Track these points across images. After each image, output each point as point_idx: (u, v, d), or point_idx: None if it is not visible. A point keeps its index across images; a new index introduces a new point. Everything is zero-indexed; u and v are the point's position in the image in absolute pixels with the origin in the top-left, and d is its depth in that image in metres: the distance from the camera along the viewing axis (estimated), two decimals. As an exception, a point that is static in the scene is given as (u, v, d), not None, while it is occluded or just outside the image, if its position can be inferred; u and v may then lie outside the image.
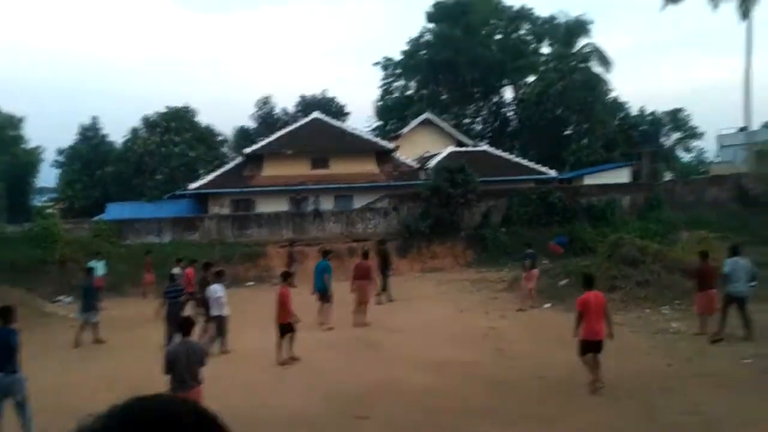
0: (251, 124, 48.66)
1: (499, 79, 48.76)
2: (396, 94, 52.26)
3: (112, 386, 10.09)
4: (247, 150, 33.42)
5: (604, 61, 41.63)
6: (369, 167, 33.17)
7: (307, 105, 47.42)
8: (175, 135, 39.42)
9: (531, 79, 47.67)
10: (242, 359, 12.68)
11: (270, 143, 33.35)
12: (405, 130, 40.65)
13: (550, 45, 47.68)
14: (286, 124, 40.62)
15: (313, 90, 51.52)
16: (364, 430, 8.78)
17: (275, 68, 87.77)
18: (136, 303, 20.64)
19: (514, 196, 29.83)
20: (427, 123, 40.62)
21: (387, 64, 51.24)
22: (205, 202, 32.18)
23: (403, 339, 14.11)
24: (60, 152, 43.29)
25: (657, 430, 8.25)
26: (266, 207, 30.65)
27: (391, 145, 34.85)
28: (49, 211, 34.41)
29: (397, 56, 50.37)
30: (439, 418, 9.00)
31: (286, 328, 12.42)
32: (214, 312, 13.23)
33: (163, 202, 34.39)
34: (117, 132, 51.97)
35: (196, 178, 34.69)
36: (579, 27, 42.38)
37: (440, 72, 46.60)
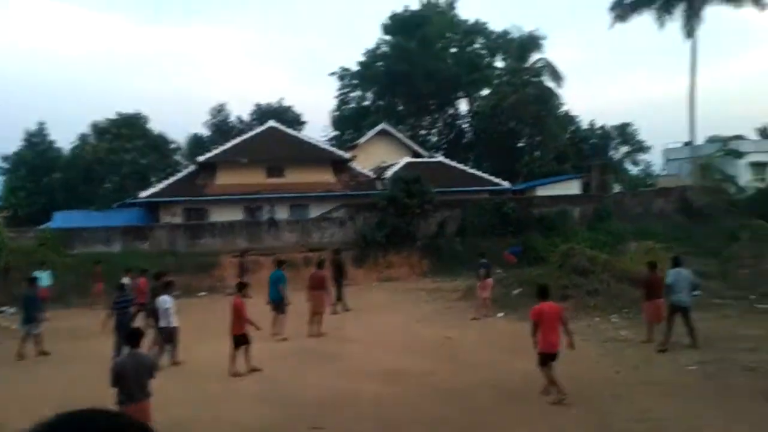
0: (205, 132, 47.96)
1: (455, 92, 49.35)
2: (352, 105, 52.30)
3: (55, 400, 9.73)
4: (201, 158, 32.89)
5: (556, 76, 42.57)
6: (325, 177, 33.07)
7: (262, 113, 47.01)
8: (125, 142, 38.49)
9: (485, 92, 48.42)
10: (194, 371, 12.42)
11: (224, 151, 32.90)
12: (362, 140, 40.70)
13: (504, 59, 48.51)
14: (241, 132, 40.13)
15: (268, 99, 50.93)
16: (318, 441, 8.70)
17: (230, 76, 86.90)
18: (83, 314, 20.01)
19: (469, 206, 30.20)
20: (383, 133, 40.77)
21: (343, 75, 51.29)
22: (157, 211, 31.49)
23: (358, 349, 14.07)
24: (4, 158, 41.77)
25: (606, 436, 8.42)
26: (220, 216, 30.19)
27: (347, 155, 34.85)
28: (-9, 219, 33.10)
29: (354, 67, 50.51)
30: (393, 428, 8.99)
31: (240, 340, 12.26)
32: (162, 323, 12.96)
33: (112, 211, 33.50)
34: (65, 138, 50.49)
35: (148, 186, 33.93)
36: (532, 42, 43.24)
37: (396, 83, 46.87)
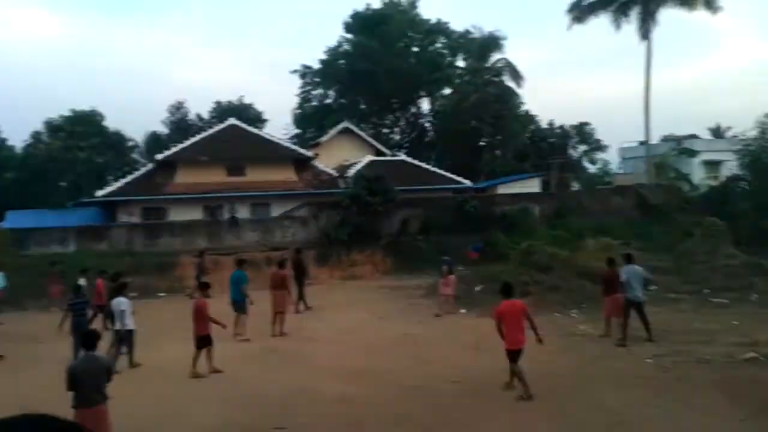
0: (164, 130, 47.10)
1: (416, 91, 49.54)
2: (314, 103, 52.05)
3: (9, 406, 9.41)
4: (159, 156, 32.28)
5: (516, 76, 43.08)
6: (287, 175, 32.83)
7: (222, 111, 46.42)
8: (80, 140, 37.56)
9: (447, 91, 48.74)
10: (154, 373, 12.18)
11: (184, 149, 32.36)
12: (324, 138, 40.54)
13: (465, 59, 48.88)
14: (200, 130, 39.49)
15: (229, 96, 50.31)
16: (280, 441, 8.62)
17: (189, 73, 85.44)
18: (39, 317, 19.48)
19: (432, 204, 30.38)
20: (346, 132, 40.69)
21: (305, 72, 50.97)
22: (114, 210, 30.80)
23: (320, 348, 14.01)
24: (-48, 157, 40.33)
25: (566, 428, 8.57)
26: (179, 215, 29.68)
27: (309, 154, 34.67)
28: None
29: (316, 65, 50.24)
30: (356, 426, 8.98)
31: (203, 341, 12.08)
32: (118, 326, 12.68)
33: (67, 211, 32.65)
34: (17, 137, 48.98)
35: (104, 185, 33.17)
36: (492, 42, 43.65)
37: (359, 82, 46.81)
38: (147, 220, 29.91)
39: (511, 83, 43.30)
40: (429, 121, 50.99)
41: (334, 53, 49.44)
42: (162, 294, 23.86)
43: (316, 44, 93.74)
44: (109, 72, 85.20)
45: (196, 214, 30.09)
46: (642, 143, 39.62)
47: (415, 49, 49.91)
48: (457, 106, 42.48)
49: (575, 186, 39.42)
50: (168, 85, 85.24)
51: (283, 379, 11.51)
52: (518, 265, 19.23)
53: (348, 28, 48.85)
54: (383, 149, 40.94)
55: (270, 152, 33.42)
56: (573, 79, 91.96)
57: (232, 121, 35.91)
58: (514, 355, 9.73)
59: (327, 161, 36.00)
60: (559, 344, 12.98)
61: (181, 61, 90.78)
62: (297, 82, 51.66)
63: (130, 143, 43.43)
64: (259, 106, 49.41)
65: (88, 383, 7.29)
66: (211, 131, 35.11)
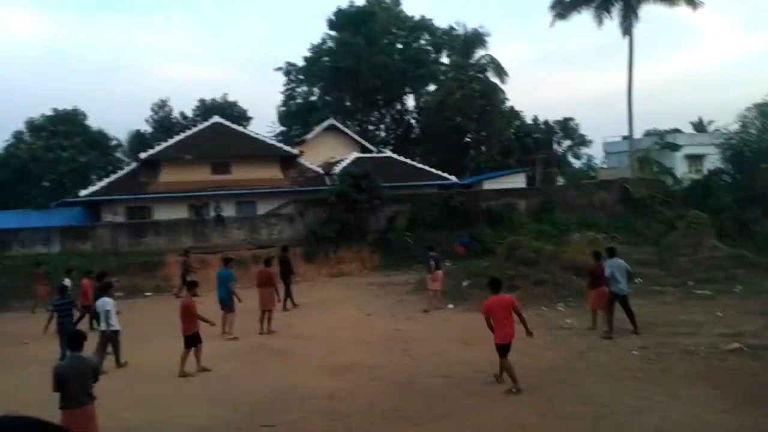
0: (147, 129, 46.65)
1: (401, 87, 49.49)
2: (299, 100, 51.85)
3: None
4: (144, 155, 32.01)
5: (500, 72, 43.17)
6: (273, 173, 32.70)
7: (206, 109, 46.04)
8: (63, 139, 37.11)
9: (432, 87, 48.75)
10: (140, 373, 12.12)
11: (168, 148, 32.10)
12: (309, 135, 40.41)
13: (449, 55, 48.92)
14: (184, 128, 39.15)
15: (213, 94, 49.87)
16: (270, 438, 8.62)
17: (172, 71, 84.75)
18: (24, 318, 19.30)
19: (418, 200, 30.41)
20: (331, 129, 40.59)
21: (289, 70, 50.74)
22: (98, 210, 30.51)
23: (309, 345, 14.00)
24: (-69, 157, 39.65)
25: (554, 420, 8.64)
26: (165, 214, 29.46)
27: (295, 151, 34.53)
28: None
29: (300, 62, 50.05)
30: (346, 422, 8.99)
31: (192, 340, 12.04)
32: (103, 326, 12.58)
33: (51, 211, 32.28)
34: (-2, 136, 48.22)
35: (88, 184, 32.81)
36: (476, 39, 43.70)
37: (343, 79, 46.67)
38: (132, 220, 29.66)
39: (495, 79, 43.42)
40: (414, 118, 50.99)
41: (318, 50, 49.26)
42: (149, 293, 23.71)
43: (300, 42, 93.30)
44: (91, 71, 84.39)
45: (181, 212, 29.88)
46: (625, 138, 39.92)
47: (400, 45, 49.84)
48: (442, 103, 42.50)
49: (560, 181, 39.62)
50: (151, 83, 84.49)
51: (271, 376, 11.50)
52: (504, 259, 19.35)
53: (332, 25, 48.68)
54: (369, 146, 40.90)
55: (255, 150, 33.26)
56: (557, 75, 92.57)
57: (216, 119, 35.66)
58: (503, 349, 9.81)
59: (313, 158, 35.90)
60: (547, 338, 13.08)
61: (164, 59, 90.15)
62: (281, 79, 51.44)
63: (114, 142, 42.93)
64: (243, 104, 49.10)
65: (74, 384, 7.24)
66: (195, 129, 34.82)
